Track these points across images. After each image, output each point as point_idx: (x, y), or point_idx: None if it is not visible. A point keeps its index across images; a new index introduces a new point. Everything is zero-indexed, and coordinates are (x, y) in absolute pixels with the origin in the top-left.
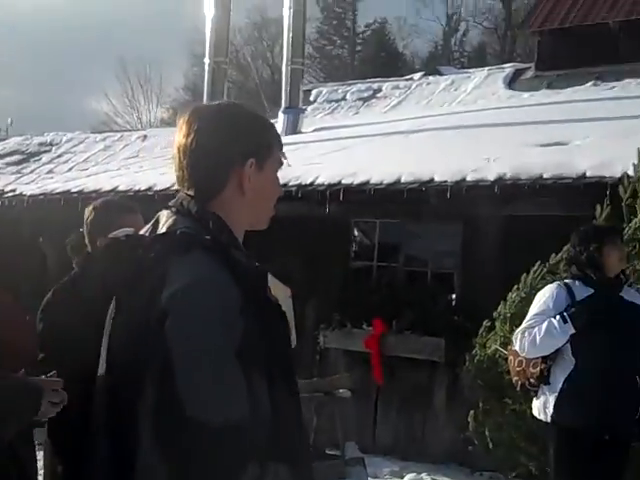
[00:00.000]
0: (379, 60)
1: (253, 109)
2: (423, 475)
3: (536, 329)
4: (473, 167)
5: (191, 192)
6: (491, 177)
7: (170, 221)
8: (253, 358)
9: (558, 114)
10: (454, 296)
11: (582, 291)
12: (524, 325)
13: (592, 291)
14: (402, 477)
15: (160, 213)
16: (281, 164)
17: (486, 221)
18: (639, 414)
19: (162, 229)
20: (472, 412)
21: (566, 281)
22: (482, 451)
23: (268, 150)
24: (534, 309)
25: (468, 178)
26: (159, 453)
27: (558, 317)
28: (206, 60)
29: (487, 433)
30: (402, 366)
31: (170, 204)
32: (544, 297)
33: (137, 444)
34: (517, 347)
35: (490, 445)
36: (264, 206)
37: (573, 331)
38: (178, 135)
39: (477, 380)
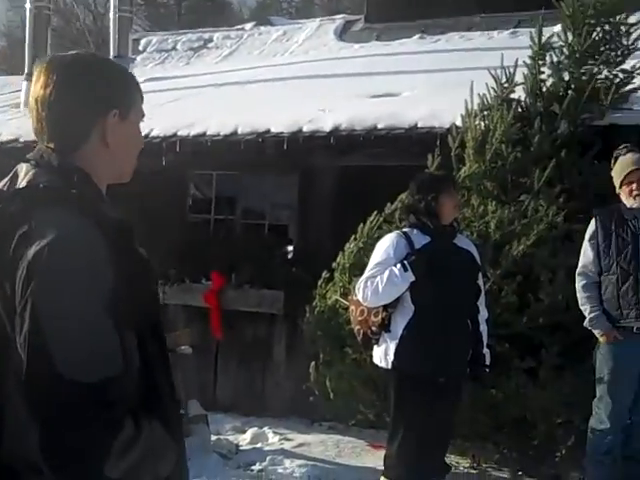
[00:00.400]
0: (206, 9)
1: (112, 60)
2: (265, 429)
3: (378, 278)
4: (309, 118)
5: (51, 145)
6: (327, 128)
7: (30, 175)
8: (123, 312)
9: (387, 66)
10: (291, 248)
11: (420, 239)
12: (366, 275)
13: (429, 239)
14: (244, 432)
15: (18, 166)
16: (143, 115)
17: (322, 172)
18: (470, 356)
19: (22, 183)
20: (313, 363)
21: (405, 230)
22: (323, 401)
23: (131, 101)
24: (375, 258)
25: (304, 129)
26: (31, 412)
27: (399, 265)
28: (27, 5)
29: (328, 383)
30: (241, 320)
31: (29, 157)
32: (384, 246)
33: (7, 402)
34: (360, 296)
35: (331, 395)
36: (128, 158)
37: (413, 279)
38: (35, 86)
39: (317, 331)
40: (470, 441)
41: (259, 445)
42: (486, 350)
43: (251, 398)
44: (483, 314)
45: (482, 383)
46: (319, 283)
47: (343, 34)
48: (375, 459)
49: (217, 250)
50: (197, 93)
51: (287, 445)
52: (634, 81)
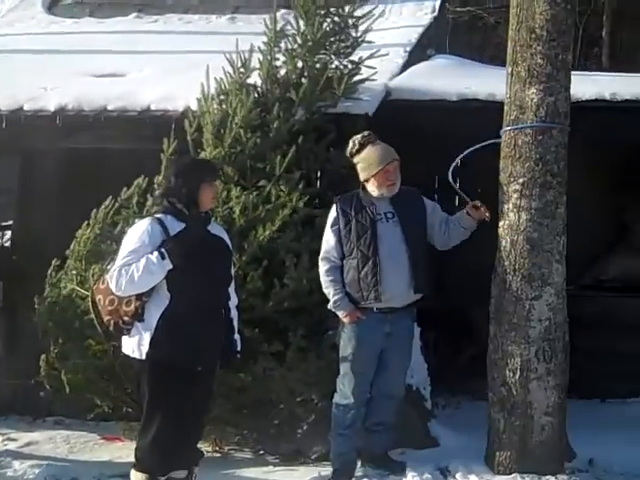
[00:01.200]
0: None
1: None
2: None
3: (133, 266)
4: (29, 96)
5: None
6: (51, 107)
7: None
8: None
9: (106, 44)
10: (9, 235)
11: (175, 226)
12: (119, 263)
13: (183, 225)
14: None
15: None
16: None
17: (47, 154)
18: (225, 344)
19: None
20: (44, 356)
21: (158, 216)
22: (48, 397)
23: None
24: (129, 246)
25: (26, 107)
26: None
27: (156, 253)
28: None
29: (63, 377)
30: None
31: None
32: (138, 233)
33: None
34: (112, 286)
35: (67, 389)
36: None
37: (171, 267)
38: None
39: (49, 322)
40: (212, 425)
41: None
42: (237, 336)
43: None
44: (233, 300)
45: (232, 369)
46: (49, 272)
47: (53, 7)
48: (110, 452)
49: None
50: None
51: (12, 445)
52: (361, 72)
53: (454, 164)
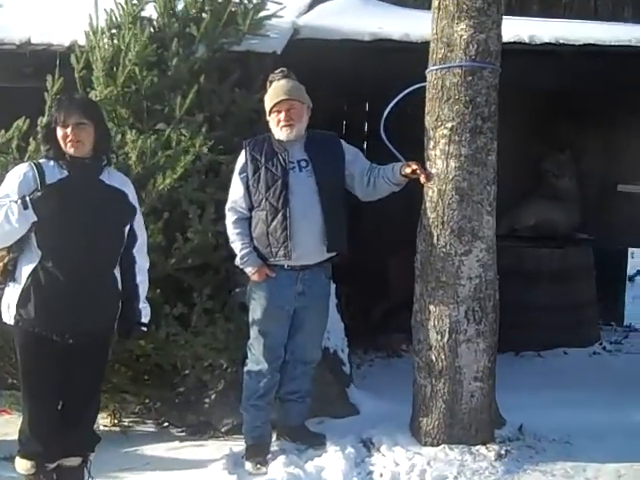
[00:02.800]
0: None
1: None
2: None
3: None
4: None
5: None
6: None
7: None
8: None
9: None
10: None
11: (55, 172)
12: None
13: (66, 173)
14: None
15: None
16: None
17: None
18: (120, 312)
19: None
20: None
21: (40, 161)
22: None
23: None
24: None
25: None
26: None
27: (19, 202)
28: None
29: None
30: None
31: None
32: (9, 179)
33: None
34: None
35: None
36: None
37: (35, 219)
38: None
39: None
40: (109, 394)
41: None
42: (144, 304)
43: None
44: (141, 264)
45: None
46: None
47: None
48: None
49: None
50: None
51: None
52: (267, 7)
53: (384, 117)
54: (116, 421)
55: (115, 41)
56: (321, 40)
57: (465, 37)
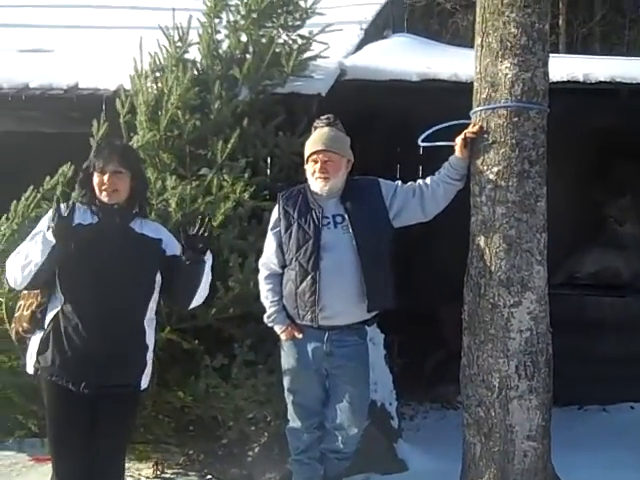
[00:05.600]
0: None
1: None
2: None
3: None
4: None
5: None
6: None
7: None
8: None
9: (33, 17)
10: None
11: (87, 217)
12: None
13: (97, 219)
14: None
15: None
16: None
17: None
18: (145, 368)
19: None
20: None
21: (70, 203)
22: None
23: None
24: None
25: None
26: None
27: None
28: None
29: None
30: None
31: None
32: (43, 218)
33: None
34: (8, 277)
35: None
36: None
37: (53, 241)
38: None
39: None
40: (152, 445)
41: None
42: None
43: None
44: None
45: (166, 385)
46: None
47: None
48: (40, 476)
49: None
50: None
51: None
52: (312, 48)
53: (423, 136)
54: (159, 472)
55: (159, 84)
56: (369, 81)
57: (510, 76)
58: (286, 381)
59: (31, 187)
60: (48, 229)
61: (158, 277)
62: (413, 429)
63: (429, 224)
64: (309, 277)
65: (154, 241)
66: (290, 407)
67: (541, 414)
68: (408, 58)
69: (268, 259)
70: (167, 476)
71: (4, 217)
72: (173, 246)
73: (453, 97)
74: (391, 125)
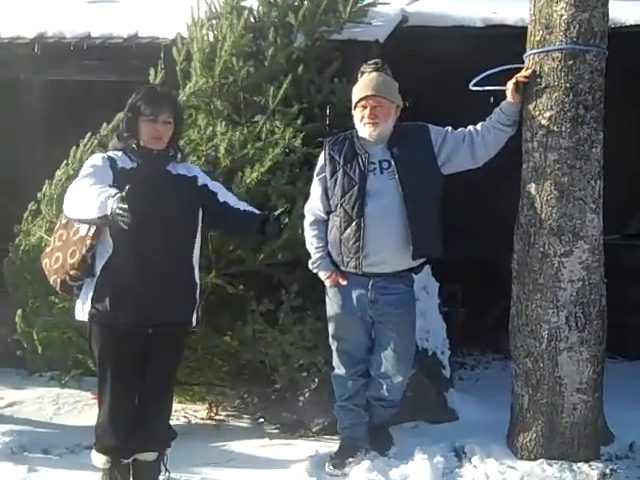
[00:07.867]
0: None
1: None
2: None
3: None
4: (4, 22)
5: None
6: (30, 34)
7: None
8: None
9: None
10: None
11: (126, 164)
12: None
13: (136, 164)
14: None
15: None
16: None
17: (26, 87)
18: (195, 305)
19: None
20: (20, 311)
21: (109, 154)
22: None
23: None
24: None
25: (1, 35)
26: None
27: (117, 195)
28: None
29: (35, 335)
30: None
31: None
32: (87, 166)
33: None
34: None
35: (39, 349)
36: None
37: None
38: None
39: (24, 274)
40: (207, 388)
41: None
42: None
43: None
44: (237, 203)
45: (215, 329)
46: (25, 216)
47: None
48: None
49: None
50: None
51: None
52: None
53: (475, 80)
54: (213, 414)
55: (214, 32)
56: (430, 27)
57: (565, 17)
58: (331, 328)
59: (89, 134)
60: (121, 199)
61: (200, 212)
62: (472, 379)
63: (495, 170)
64: (353, 223)
65: (191, 179)
66: (335, 354)
67: (592, 367)
68: (473, 2)
69: (313, 205)
70: (220, 418)
71: (64, 162)
72: (205, 179)
73: (519, 44)
74: (451, 74)
